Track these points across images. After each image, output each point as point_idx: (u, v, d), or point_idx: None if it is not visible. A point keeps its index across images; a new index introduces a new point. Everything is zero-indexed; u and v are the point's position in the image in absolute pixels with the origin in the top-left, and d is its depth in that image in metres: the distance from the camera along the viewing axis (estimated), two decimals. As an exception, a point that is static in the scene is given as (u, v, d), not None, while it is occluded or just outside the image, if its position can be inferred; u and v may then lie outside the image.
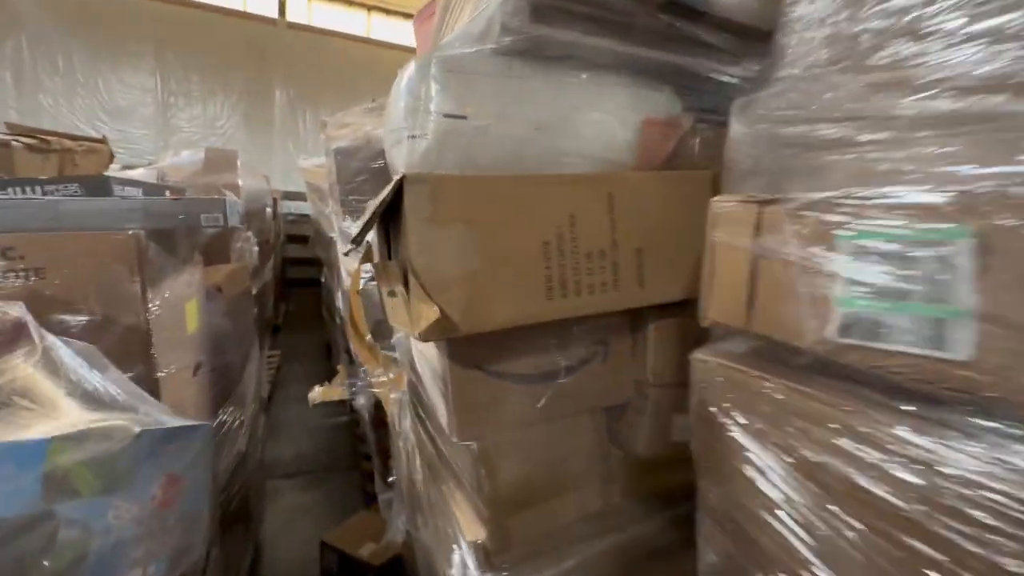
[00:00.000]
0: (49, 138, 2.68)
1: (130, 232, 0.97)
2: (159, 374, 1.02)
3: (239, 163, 3.41)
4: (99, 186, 1.33)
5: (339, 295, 2.96)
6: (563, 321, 0.76)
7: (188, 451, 0.68)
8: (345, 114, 2.22)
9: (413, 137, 0.69)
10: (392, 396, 0.96)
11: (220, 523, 1.47)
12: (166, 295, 1.07)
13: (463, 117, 0.67)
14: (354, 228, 0.54)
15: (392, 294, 0.61)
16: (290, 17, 7.54)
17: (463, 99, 0.66)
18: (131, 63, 6.66)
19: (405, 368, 1.16)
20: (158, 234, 1.07)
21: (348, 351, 3.37)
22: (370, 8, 8.10)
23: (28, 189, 1.27)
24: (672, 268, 0.70)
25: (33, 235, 0.91)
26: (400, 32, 8.37)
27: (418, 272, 0.53)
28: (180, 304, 1.15)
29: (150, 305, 1.00)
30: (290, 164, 7.66)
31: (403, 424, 1.46)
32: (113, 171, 3.42)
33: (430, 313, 0.52)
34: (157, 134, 6.81)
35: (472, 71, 0.66)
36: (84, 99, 6.43)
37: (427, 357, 0.80)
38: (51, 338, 0.69)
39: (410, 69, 0.69)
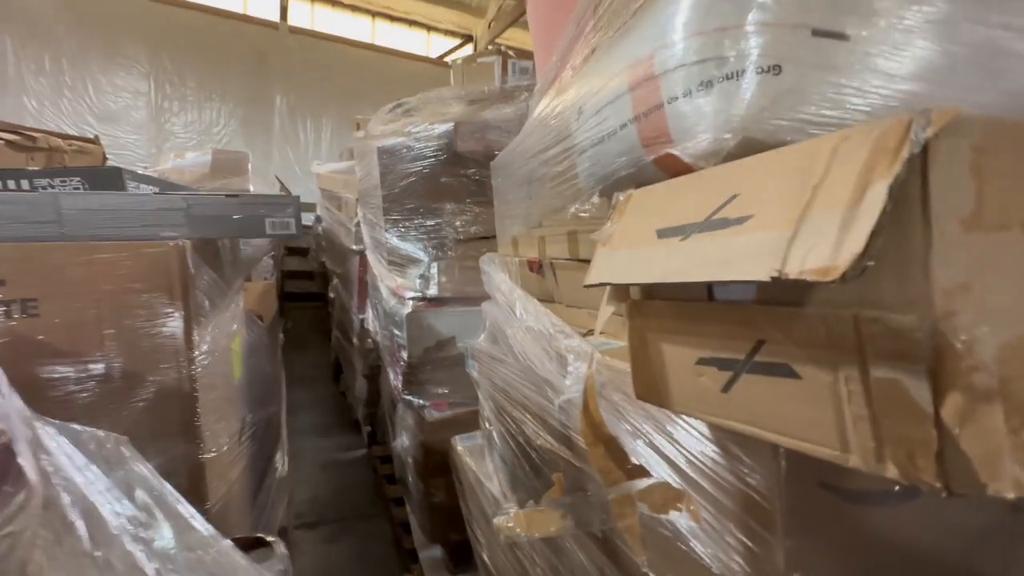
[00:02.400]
0: (35, 135, 2.32)
1: (172, 244, 0.64)
2: (206, 456, 0.68)
3: (250, 167, 3.08)
4: (109, 179, 0.99)
5: (368, 316, 2.61)
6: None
7: None
8: (388, 111, 1.91)
9: (728, 79, 0.38)
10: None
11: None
12: (215, 333, 0.74)
13: (842, 37, 0.36)
14: (804, 236, 0.22)
15: (782, 371, 0.30)
16: (292, 21, 7.26)
17: (841, 6, 0.36)
18: (124, 65, 6.31)
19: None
20: (204, 248, 0.74)
21: (370, 404, 2.99)
22: (375, 14, 7.86)
23: (13, 183, 0.93)
24: None
25: (22, 247, 0.58)
26: (405, 39, 8.14)
27: (967, 347, 0.22)
28: (227, 345, 0.82)
29: (196, 352, 0.67)
30: (290, 172, 7.29)
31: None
32: (105, 175, 3.06)
33: (1011, 444, 0.21)
34: (149, 139, 6.43)
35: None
36: (71, 102, 6.05)
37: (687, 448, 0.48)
38: (54, 456, 0.36)
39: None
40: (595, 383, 0.50)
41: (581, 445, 0.74)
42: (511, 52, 1.82)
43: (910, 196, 0.24)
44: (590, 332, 0.87)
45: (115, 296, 0.62)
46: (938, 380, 0.24)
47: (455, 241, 1.84)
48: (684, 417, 0.47)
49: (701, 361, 0.37)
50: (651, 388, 0.43)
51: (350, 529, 2.40)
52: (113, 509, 0.34)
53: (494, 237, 1.64)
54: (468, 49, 8.34)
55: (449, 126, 1.66)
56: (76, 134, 5.52)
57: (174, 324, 0.64)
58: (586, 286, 0.41)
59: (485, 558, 1.27)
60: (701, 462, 0.45)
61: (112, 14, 6.10)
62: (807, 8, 0.37)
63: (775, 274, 0.25)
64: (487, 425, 1.26)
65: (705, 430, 0.45)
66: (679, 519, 0.44)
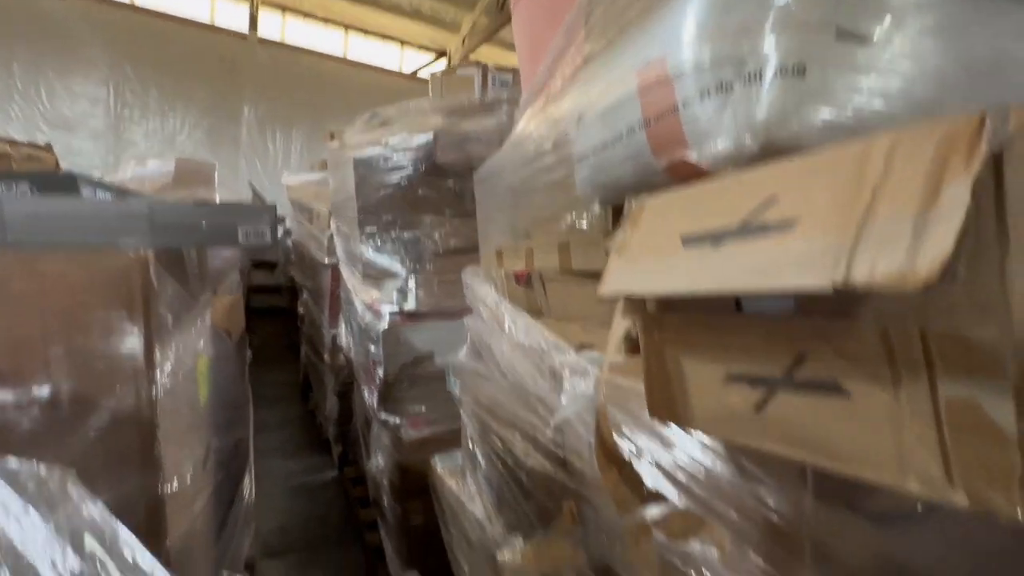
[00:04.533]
0: (-20, 140, 2.16)
1: (133, 254, 0.58)
2: (166, 489, 0.62)
3: (216, 177, 2.96)
4: (62, 186, 0.92)
5: (340, 331, 2.52)
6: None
7: None
8: (364, 121, 1.86)
9: (749, 81, 0.36)
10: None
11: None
12: (179, 352, 0.67)
13: (865, 40, 0.35)
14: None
15: (827, 388, 0.27)
16: (262, 33, 7.14)
17: (865, 8, 0.35)
18: (81, 71, 6.05)
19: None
20: (168, 259, 0.68)
21: (341, 423, 2.86)
22: (347, 27, 7.81)
23: (-51, 187, 0.84)
24: None
25: (-46, 256, 0.51)
26: (378, 53, 8.11)
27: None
28: (192, 365, 0.75)
29: (157, 374, 0.61)
30: (258, 183, 7.09)
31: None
32: (58, 184, 2.88)
33: None
34: (107, 148, 6.16)
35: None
36: (21, 107, 5.75)
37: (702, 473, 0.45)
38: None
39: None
40: (605, 402, 0.47)
41: (578, 466, 0.70)
42: (490, 65, 1.81)
43: (983, 197, 0.22)
44: (584, 346, 0.84)
45: (66, 312, 0.56)
46: (1022, 399, 0.22)
47: (434, 254, 1.80)
48: (694, 436, 0.44)
49: (730, 378, 0.35)
50: (669, 406, 0.40)
51: (320, 557, 2.28)
52: (53, 564, 0.29)
53: (475, 250, 1.60)
54: (442, 64, 8.37)
55: (428, 137, 1.63)
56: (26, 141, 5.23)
57: (133, 342, 0.58)
58: (600, 296, 0.38)
59: (468, 585, 1.21)
60: (717, 485, 0.43)
61: (71, 18, 5.86)
62: (832, 7, 0.35)
63: (839, 282, 0.23)
64: (470, 445, 1.21)
65: (719, 449, 0.42)
66: (697, 549, 0.41)
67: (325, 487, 2.89)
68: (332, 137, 2.14)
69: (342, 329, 2.51)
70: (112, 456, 0.58)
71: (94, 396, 0.57)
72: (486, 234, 1.19)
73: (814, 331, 0.29)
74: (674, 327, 0.38)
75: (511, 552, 0.55)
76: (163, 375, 0.62)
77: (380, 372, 1.79)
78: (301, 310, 4.24)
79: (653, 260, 0.34)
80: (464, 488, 1.30)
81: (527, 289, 0.99)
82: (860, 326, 0.26)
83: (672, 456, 0.43)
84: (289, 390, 4.44)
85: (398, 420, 1.80)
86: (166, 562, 0.63)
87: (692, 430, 0.40)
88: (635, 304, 0.39)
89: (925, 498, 0.26)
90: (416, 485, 1.70)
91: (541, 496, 0.88)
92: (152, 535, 0.61)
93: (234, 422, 1.03)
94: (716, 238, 0.30)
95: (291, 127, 7.33)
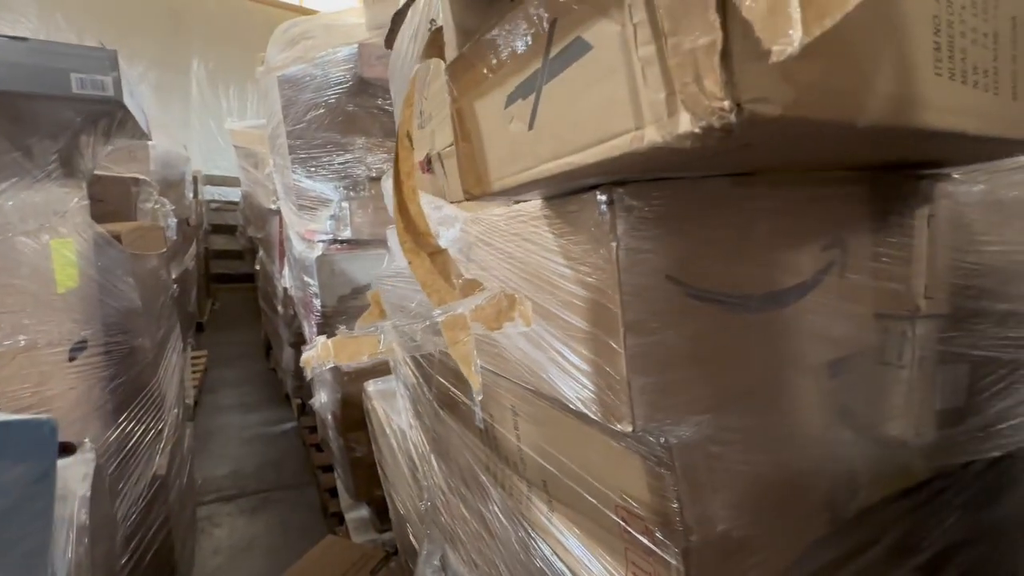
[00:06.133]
0: None
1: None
2: (-11, 348, 0.56)
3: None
4: None
5: (285, 274, 2.44)
6: (785, 196, 0.42)
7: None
8: (281, 33, 1.73)
9: None
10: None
11: (130, 582, 0.99)
12: (4, 208, 0.61)
13: None
14: None
15: (576, 50, 0.23)
16: (209, -22, 6.67)
17: None
18: (7, 19, 5.55)
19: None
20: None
21: (298, 375, 2.80)
22: (302, -26, 7.35)
23: None
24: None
25: None
26: (338, 4, 7.69)
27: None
28: (41, 238, 0.68)
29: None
30: (212, 145, 6.74)
31: (405, 420, 1.06)
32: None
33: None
34: (43, 104, 5.75)
35: None
36: (-57, 59, 5.28)
37: (534, 269, 0.42)
38: None
39: None
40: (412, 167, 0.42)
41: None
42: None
43: None
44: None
45: None
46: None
47: (368, 179, 1.72)
48: (524, 234, 0.40)
49: (509, 100, 0.30)
50: (474, 176, 0.36)
51: (274, 500, 2.26)
52: None
53: (410, 174, 1.53)
54: (405, 16, 7.97)
55: (353, 49, 1.53)
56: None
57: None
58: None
59: (392, 494, 1.20)
60: (541, 277, 0.39)
61: (-12, -42, 5.35)
62: None
63: None
64: (391, 356, 1.18)
65: (549, 236, 0.39)
66: (516, 338, 0.38)
67: (283, 437, 2.86)
68: (263, 63, 2.01)
69: (286, 271, 2.43)
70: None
71: None
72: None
73: None
74: (468, 65, 0.34)
75: (312, 347, 0.52)
76: (-25, 224, 0.55)
77: (317, 304, 1.74)
78: (258, 267, 4.12)
79: None
80: (393, 405, 1.28)
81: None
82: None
83: (483, 238, 0.39)
84: (251, 349, 4.36)
85: (339, 353, 1.75)
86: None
87: (494, 198, 0.36)
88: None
89: (660, 145, 0.22)
90: (357, 417, 1.67)
91: (437, 377, 0.85)
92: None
93: (127, 330, 0.96)
94: None
95: (246, 81, 6.92)
